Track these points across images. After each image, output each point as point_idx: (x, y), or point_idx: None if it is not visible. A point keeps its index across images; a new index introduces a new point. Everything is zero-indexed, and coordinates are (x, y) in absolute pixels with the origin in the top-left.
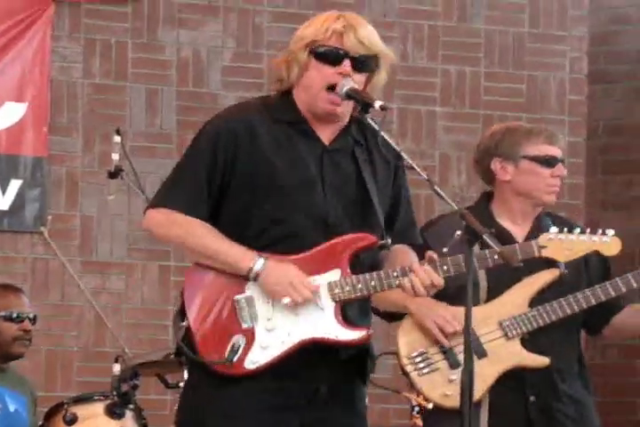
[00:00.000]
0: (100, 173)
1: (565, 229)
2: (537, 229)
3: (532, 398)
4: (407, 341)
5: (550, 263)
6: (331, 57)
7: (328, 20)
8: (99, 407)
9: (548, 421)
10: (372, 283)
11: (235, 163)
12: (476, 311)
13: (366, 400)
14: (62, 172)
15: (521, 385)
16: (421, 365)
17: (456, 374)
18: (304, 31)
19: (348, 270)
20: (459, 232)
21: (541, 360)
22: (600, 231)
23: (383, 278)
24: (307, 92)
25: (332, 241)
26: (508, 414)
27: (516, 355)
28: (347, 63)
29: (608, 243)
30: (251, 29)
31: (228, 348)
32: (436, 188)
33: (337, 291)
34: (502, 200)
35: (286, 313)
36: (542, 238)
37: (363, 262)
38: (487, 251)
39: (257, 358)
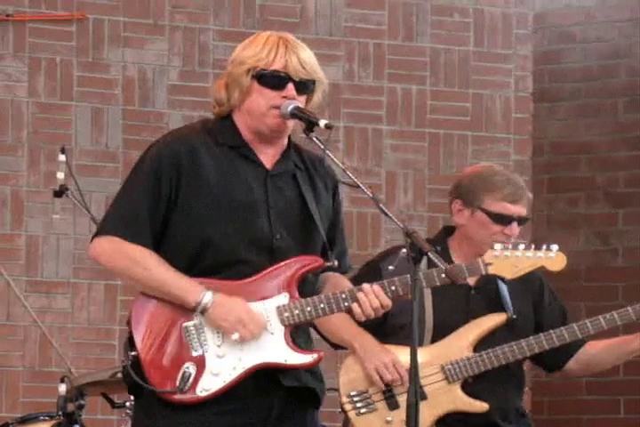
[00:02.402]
0: (45, 192)
1: (510, 246)
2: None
3: None
4: (348, 379)
5: (499, 307)
6: (275, 82)
7: (267, 43)
8: None
9: None
10: (321, 306)
11: (178, 187)
12: (421, 353)
13: None
14: (7, 191)
15: (463, 425)
16: (359, 404)
17: (393, 416)
18: (243, 54)
19: (297, 294)
20: (404, 250)
21: (479, 406)
22: (544, 247)
23: (332, 301)
24: (250, 114)
25: (279, 265)
26: None
27: (454, 400)
28: (290, 87)
29: (553, 258)
30: (196, 48)
31: (179, 376)
32: (381, 206)
33: (286, 315)
34: (458, 238)
35: None
36: (488, 255)
37: (308, 284)
38: (434, 270)
39: (208, 386)
